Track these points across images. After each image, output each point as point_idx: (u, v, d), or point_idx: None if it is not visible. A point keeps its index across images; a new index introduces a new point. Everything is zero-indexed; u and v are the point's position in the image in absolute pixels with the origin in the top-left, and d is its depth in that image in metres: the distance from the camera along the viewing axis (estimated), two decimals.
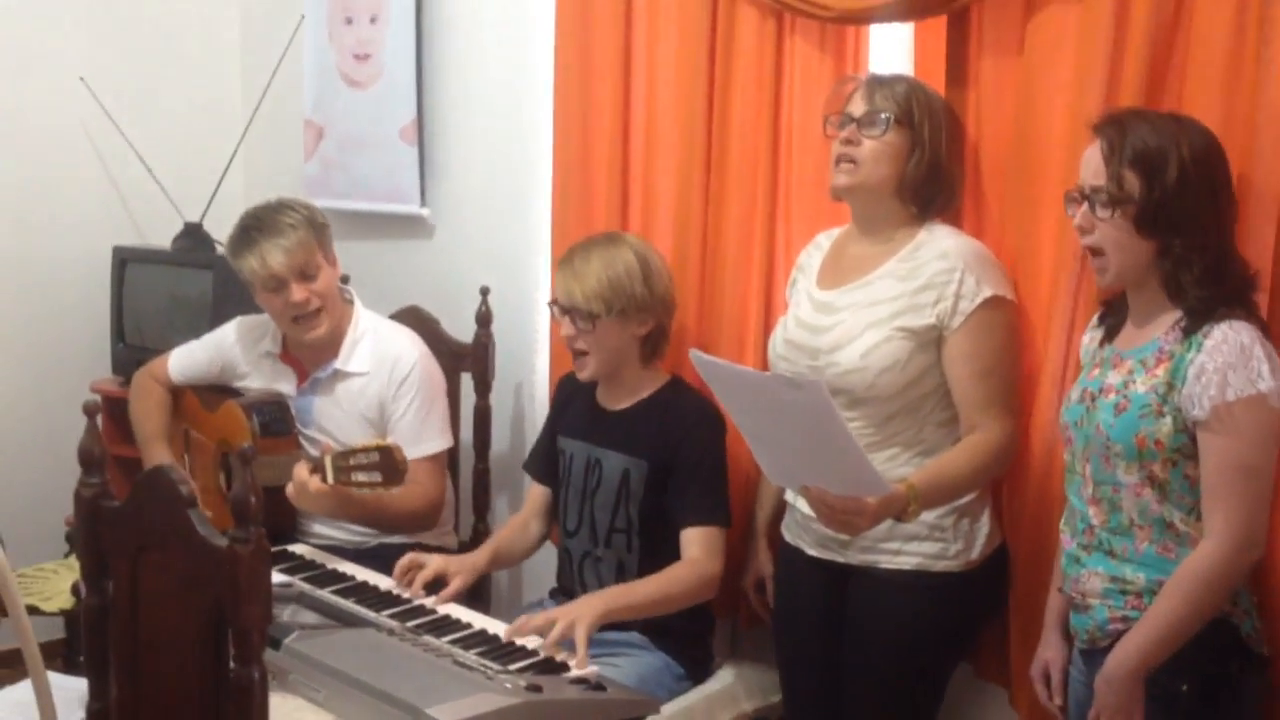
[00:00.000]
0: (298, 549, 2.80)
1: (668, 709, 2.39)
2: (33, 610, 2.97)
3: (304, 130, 3.74)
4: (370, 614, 2.39)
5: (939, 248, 2.26)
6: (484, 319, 3.12)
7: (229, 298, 3.27)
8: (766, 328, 2.61)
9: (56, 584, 3.21)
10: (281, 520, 2.79)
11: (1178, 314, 1.90)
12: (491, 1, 3.30)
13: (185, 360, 3.07)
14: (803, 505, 2.33)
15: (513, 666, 2.15)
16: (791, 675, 2.51)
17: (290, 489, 2.60)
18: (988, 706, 2.49)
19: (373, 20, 3.52)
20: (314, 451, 2.82)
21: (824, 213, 2.53)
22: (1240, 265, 1.90)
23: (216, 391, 3.03)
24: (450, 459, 3.01)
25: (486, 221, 3.37)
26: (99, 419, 1.96)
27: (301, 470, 2.58)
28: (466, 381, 3.18)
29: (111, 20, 3.80)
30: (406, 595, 2.51)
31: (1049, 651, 2.16)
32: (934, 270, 2.24)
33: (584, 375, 2.59)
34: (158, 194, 3.76)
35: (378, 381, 2.87)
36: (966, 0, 2.29)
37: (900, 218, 2.32)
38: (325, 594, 2.49)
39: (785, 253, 2.65)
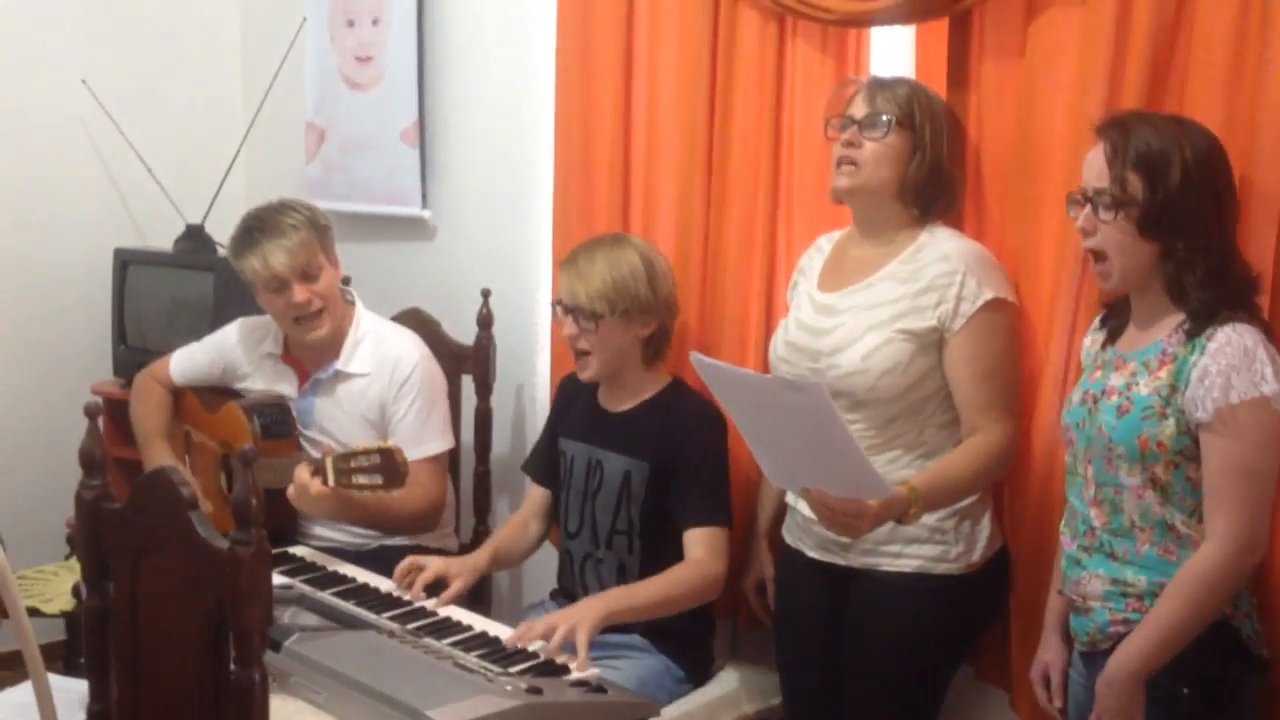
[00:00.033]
0: (298, 551, 2.80)
1: (668, 711, 2.38)
2: (33, 612, 2.97)
3: (305, 132, 3.74)
4: (371, 616, 2.39)
5: (940, 250, 2.26)
6: (485, 321, 3.12)
7: (230, 300, 3.27)
8: (767, 330, 2.61)
9: (57, 586, 3.21)
10: (282, 522, 2.79)
11: (1181, 316, 1.90)
12: (493, 4, 3.31)
13: (187, 362, 3.07)
14: (803, 507, 2.32)
15: (513, 669, 2.15)
16: (792, 677, 2.51)
17: (291, 491, 2.60)
18: (988, 709, 2.49)
19: (374, 22, 3.52)
20: (315, 453, 2.82)
21: (825, 215, 2.53)
22: (1243, 268, 1.90)
23: (217, 393, 3.03)
24: (451, 461, 3.01)
25: (488, 223, 3.37)
26: (100, 421, 1.96)
27: (302, 472, 2.58)
28: (467, 383, 3.18)
29: (113, 22, 3.81)
30: (407, 597, 2.51)
31: (1049, 654, 2.16)
32: (935, 273, 2.24)
33: (585, 376, 2.59)
34: (159, 196, 3.76)
35: (379, 383, 2.87)
36: (968, 3, 2.29)
37: (901, 220, 2.32)
38: (326, 596, 2.49)
39: (786, 255, 2.65)
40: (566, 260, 2.59)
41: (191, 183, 3.78)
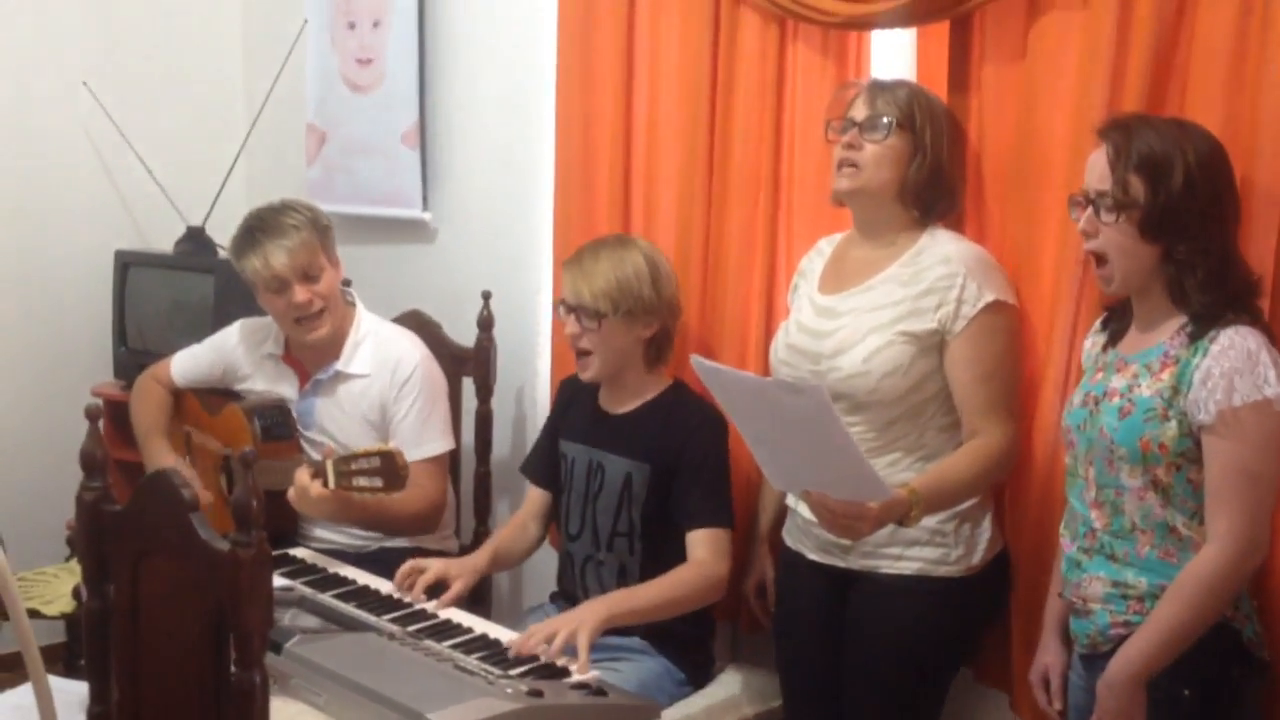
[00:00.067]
0: (299, 553, 2.80)
1: (669, 714, 2.38)
2: (33, 614, 2.97)
3: (306, 134, 3.74)
4: (371, 618, 2.39)
5: (941, 252, 2.26)
6: (485, 323, 3.12)
7: (230, 302, 3.27)
8: (768, 333, 2.61)
9: (57, 587, 3.21)
10: (282, 524, 2.79)
11: (1183, 319, 1.90)
12: (494, 6, 3.31)
13: (188, 363, 3.07)
14: (804, 510, 2.32)
15: (514, 671, 2.15)
16: (792, 680, 2.51)
17: (291, 493, 2.60)
18: (989, 712, 2.49)
19: (375, 25, 3.52)
20: (315, 453, 2.82)
21: (825, 218, 2.53)
22: (1244, 271, 1.90)
23: (218, 395, 3.03)
24: (451, 463, 3.01)
25: (488, 226, 3.37)
26: (100, 423, 1.96)
27: (303, 475, 2.58)
28: (468, 385, 3.18)
29: (114, 25, 3.81)
30: (407, 599, 2.50)
31: (1048, 656, 2.16)
32: (936, 275, 2.24)
33: (586, 376, 2.59)
34: (160, 198, 3.76)
35: (379, 383, 2.87)
36: (969, 6, 2.29)
37: (902, 222, 2.32)
38: (326, 598, 2.49)
39: (787, 258, 2.65)
40: (571, 259, 2.59)
41: (192, 184, 3.78)
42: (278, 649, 2.10)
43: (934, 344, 2.24)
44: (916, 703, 2.34)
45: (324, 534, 2.89)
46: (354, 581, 2.61)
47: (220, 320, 3.17)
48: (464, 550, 2.98)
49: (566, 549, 2.69)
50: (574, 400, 2.73)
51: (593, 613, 2.31)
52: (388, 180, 3.54)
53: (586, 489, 2.61)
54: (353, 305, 2.97)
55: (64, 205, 3.77)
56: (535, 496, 2.78)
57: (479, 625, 2.39)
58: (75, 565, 3.24)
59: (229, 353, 3.02)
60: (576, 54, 2.94)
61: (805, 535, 2.41)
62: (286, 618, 2.36)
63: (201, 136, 3.93)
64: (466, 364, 3.16)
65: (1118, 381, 1.95)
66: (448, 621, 2.41)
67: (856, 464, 2.00)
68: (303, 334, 2.85)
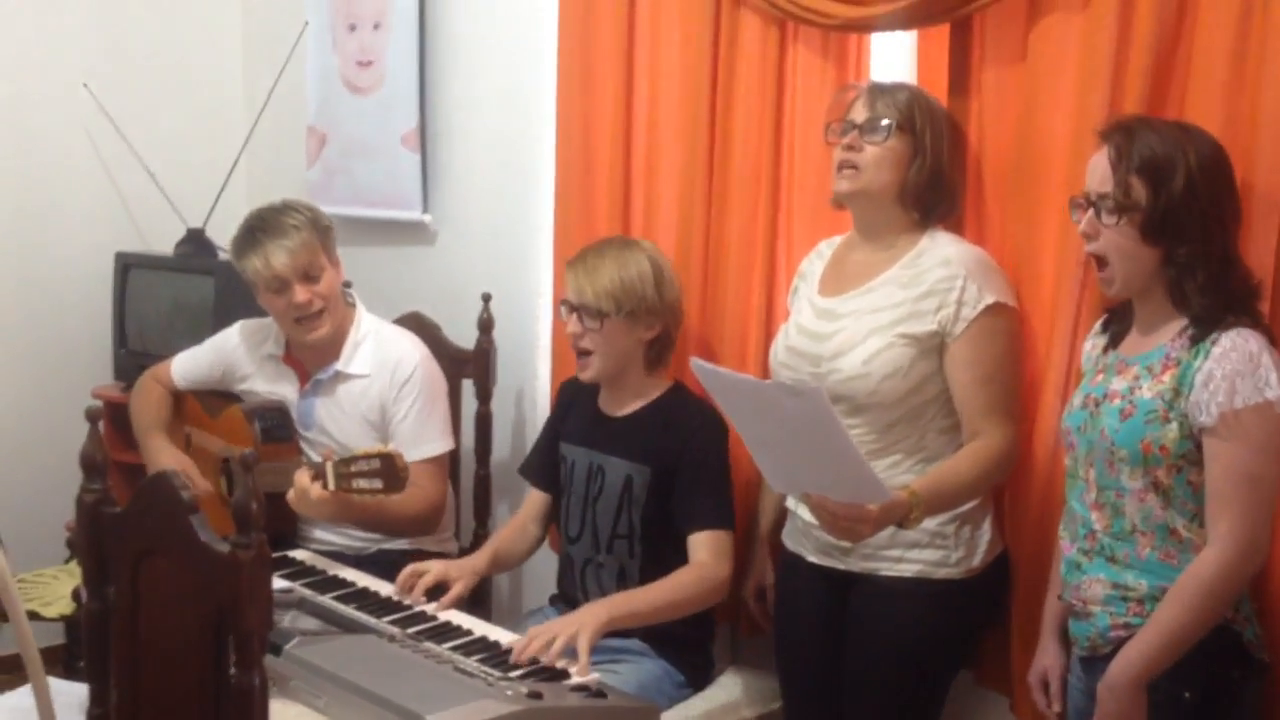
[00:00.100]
0: (298, 555, 2.80)
1: (668, 716, 2.38)
2: (33, 616, 2.97)
3: (306, 136, 3.74)
4: (371, 620, 2.39)
5: (941, 254, 2.26)
6: (485, 325, 3.12)
7: (231, 303, 3.27)
8: (768, 335, 2.61)
9: (57, 589, 3.21)
10: (282, 526, 2.79)
11: (1184, 321, 1.90)
12: (494, 8, 3.31)
13: (188, 364, 3.07)
14: (804, 512, 2.32)
15: (513, 673, 2.15)
16: (792, 682, 2.51)
17: (291, 495, 2.60)
18: (989, 714, 2.48)
19: (375, 27, 3.52)
20: (315, 453, 2.82)
21: (825, 220, 2.53)
22: (1244, 274, 1.91)
23: (218, 397, 3.03)
24: (451, 464, 3.01)
25: (488, 228, 3.37)
26: (101, 424, 1.96)
27: (303, 476, 2.58)
28: (468, 387, 3.18)
29: (114, 26, 3.81)
30: (407, 601, 2.50)
31: (1047, 658, 2.16)
32: (936, 277, 2.24)
33: (586, 376, 2.59)
34: (160, 200, 3.76)
35: (379, 384, 2.87)
36: (969, 9, 2.29)
37: (902, 224, 2.32)
38: (326, 600, 2.49)
39: (787, 260, 2.65)
40: (575, 259, 2.59)
41: (193, 186, 3.79)
42: (277, 651, 2.10)
43: (934, 346, 2.24)
44: (916, 705, 2.33)
45: (323, 536, 2.89)
46: (353, 583, 2.61)
47: (220, 322, 3.17)
48: (463, 552, 2.98)
49: (566, 551, 2.69)
50: (574, 402, 2.73)
51: (593, 616, 2.30)
52: (388, 182, 3.54)
53: (586, 491, 2.61)
54: (353, 306, 2.97)
55: (64, 207, 3.78)
56: (535, 498, 2.78)
57: (479, 627, 2.39)
58: (75, 567, 3.24)
59: (229, 353, 3.02)
60: (577, 57, 2.94)
61: (805, 537, 2.41)
62: (286, 620, 2.36)
63: (202, 138, 3.94)
64: (466, 366, 3.16)
65: (1118, 383, 1.95)
66: (447, 623, 2.41)
67: (856, 466, 2.00)
68: (303, 334, 2.85)
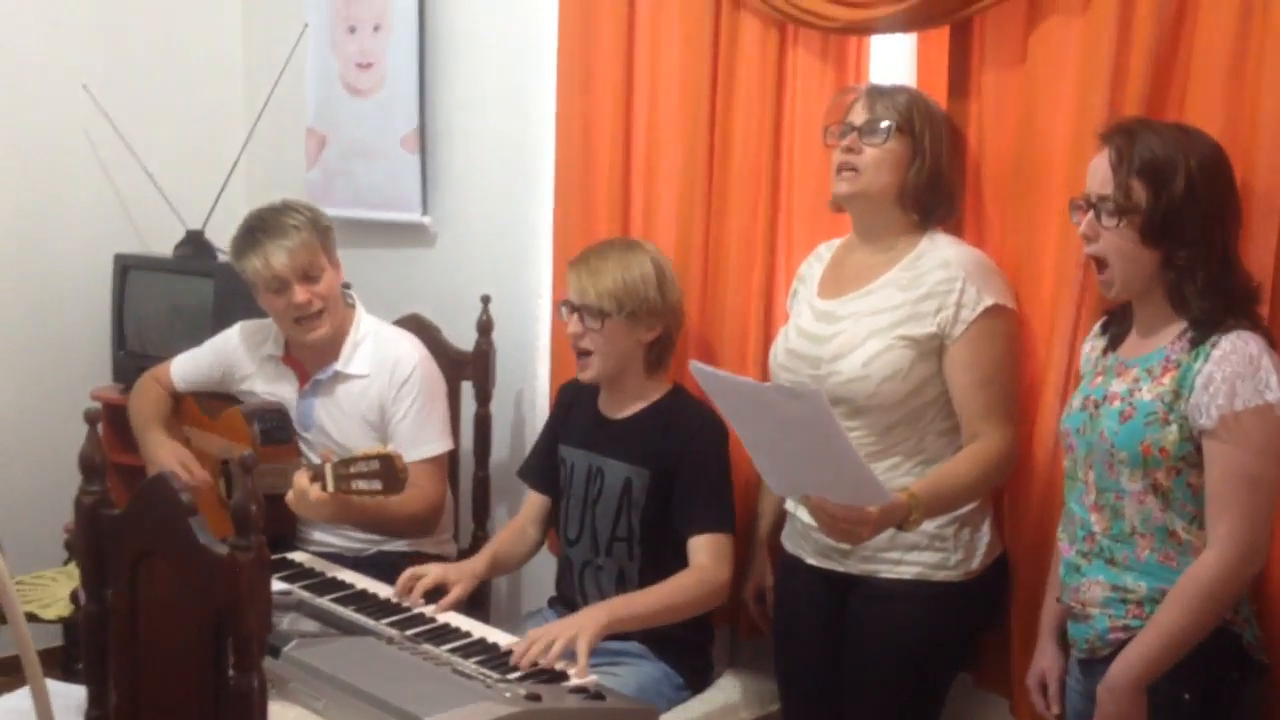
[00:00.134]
0: (297, 557, 2.80)
1: (667, 718, 2.39)
2: (31, 617, 2.97)
3: (306, 138, 3.74)
4: (370, 622, 2.39)
5: (940, 257, 2.26)
6: (485, 327, 3.12)
7: (230, 305, 3.27)
8: (767, 338, 2.61)
9: (55, 591, 3.21)
10: (281, 528, 2.79)
11: (1183, 324, 1.90)
12: (494, 10, 3.31)
13: (187, 365, 3.07)
14: (803, 514, 2.32)
15: (512, 675, 2.15)
16: (791, 684, 2.51)
17: (290, 496, 2.60)
18: (989, 716, 2.48)
19: (375, 29, 3.52)
20: (314, 454, 2.82)
21: (825, 223, 2.53)
22: (1243, 278, 1.91)
23: (218, 399, 3.03)
24: (450, 466, 3.01)
25: (488, 230, 3.37)
26: (99, 426, 1.96)
27: (302, 478, 2.58)
28: (467, 389, 3.18)
29: (114, 27, 3.81)
30: (406, 603, 2.50)
31: (1045, 660, 2.16)
32: (935, 279, 2.24)
33: (586, 376, 2.59)
34: (160, 201, 3.76)
35: (378, 384, 2.87)
36: (969, 11, 2.29)
37: (901, 226, 2.32)
38: (325, 602, 2.49)
39: (786, 263, 2.65)
40: (577, 259, 2.59)
41: (192, 188, 3.79)
42: (276, 653, 2.10)
43: (933, 348, 2.24)
44: (916, 707, 2.33)
45: (322, 537, 2.89)
46: (352, 585, 2.61)
47: (219, 324, 3.17)
48: (462, 554, 2.98)
49: (565, 554, 2.69)
50: (574, 405, 2.73)
51: (592, 619, 2.30)
52: (387, 184, 3.54)
53: (586, 494, 2.61)
54: (353, 307, 2.97)
55: (63, 208, 3.77)
56: (534, 501, 2.78)
57: (477, 629, 2.39)
58: (73, 569, 3.23)
59: (229, 354, 3.02)
60: (577, 60, 2.94)
61: (804, 540, 2.41)
62: (285, 622, 2.36)
63: (201, 140, 3.94)
64: (465, 368, 3.16)
65: (1118, 385, 1.95)
66: (446, 625, 2.41)
67: (856, 468, 2.00)
68: (302, 334, 2.85)
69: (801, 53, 2.57)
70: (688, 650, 2.56)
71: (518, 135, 3.26)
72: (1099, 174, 1.92)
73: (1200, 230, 1.87)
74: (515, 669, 2.18)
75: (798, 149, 2.61)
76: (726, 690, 2.62)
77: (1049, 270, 2.27)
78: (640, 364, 2.58)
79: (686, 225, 2.76)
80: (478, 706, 1.96)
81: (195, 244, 3.68)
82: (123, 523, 1.92)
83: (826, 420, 1.93)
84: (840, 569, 2.35)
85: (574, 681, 2.15)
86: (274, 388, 2.96)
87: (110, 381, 3.73)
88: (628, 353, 2.55)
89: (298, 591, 2.54)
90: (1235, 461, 1.82)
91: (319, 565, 2.73)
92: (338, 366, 2.89)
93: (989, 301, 2.22)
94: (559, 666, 2.20)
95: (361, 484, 2.51)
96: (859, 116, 2.30)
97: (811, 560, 2.40)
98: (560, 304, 2.64)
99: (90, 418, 1.94)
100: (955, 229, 2.39)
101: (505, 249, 3.31)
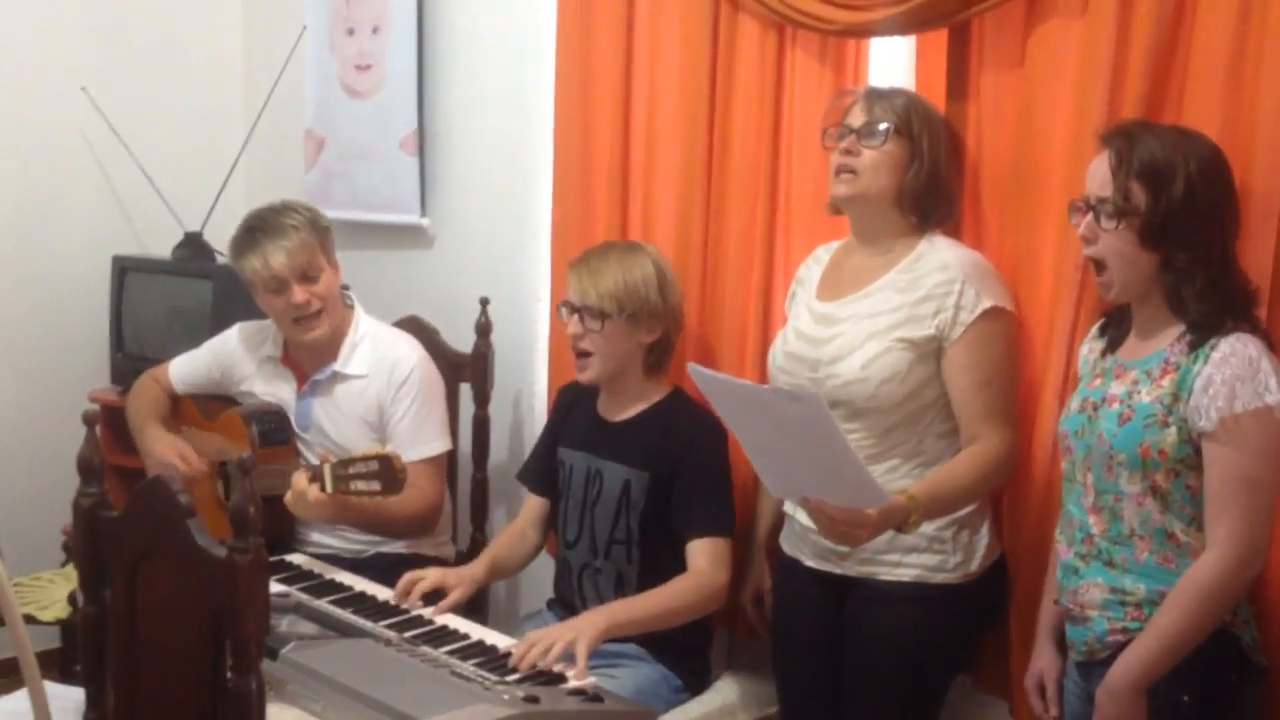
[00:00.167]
0: (295, 558, 2.79)
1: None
2: (29, 619, 2.97)
3: (305, 140, 3.74)
4: (368, 624, 2.39)
5: (939, 259, 2.26)
6: (483, 329, 3.12)
7: (228, 307, 3.27)
8: (766, 339, 2.61)
9: (53, 593, 3.20)
10: (279, 529, 2.79)
11: (1182, 326, 1.90)
12: (493, 13, 3.31)
13: (187, 367, 3.07)
14: (802, 516, 2.32)
15: (510, 677, 2.15)
16: (789, 687, 2.51)
17: (289, 497, 2.60)
18: (988, 719, 2.48)
19: (374, 31, 3.53)
20: (312, 455, 2.82)
21: (823, 225, 2.53)
22: (1242, 281, 1.91)
23: (216, 401, 3.03)
24: (449, 468, 3.00)
25: (487, 232, 3.37)
26: (98, 428, 1.96)
27: (300, 479, 2.57)
28: (465, 391, 3.18)
29: (113, 29, 3.81)
30: (404, 606, 2.50)
31: (1043, 662, 2.16)
32: (934, 281, 2.24)
33: (585, 377, 2.59)
34: (158, 203, 3.76)
35: (376, 384, 2.87)
36: (968, 14, 2.29)
37: (900, 228, 2.32)
38: (323, 604, 2.49)
39: (784, 265, 2.65)
40: (578, 260, 2.59)
41: (190, 190, 3.79)
42: (274, 655, 2.10)
43: (932, 350, 2.24)
44: (914, 710, 2.33)
45: (320, 539, 2.89)
46: (350, 587, 2.61)
47: (218, 326, 3.17)
48: (460, 557, 2.98)
49: (564, 556, 2.68)
50: (573, 407, 2.72)
51: (591, 623, 2.30)
52: (386, 186, 3.54)
53: (585, 496, 2.61)
54: (351, 308, 2.97)
55: (62, 210, 3.77)
56: (533, 504, 2.78)
57: (475, 631, 2.39)
58: (71, 571, 3.23)
59: (228, 355, 3.02)
60: (576, 63, 2.94)
61: (803, 542, 2.41)
62: (283, 624, 2.36)
63: (200, 142, 3.94)
64: (464, 370, 3.16)
65: (1117, 387, 1.95)
66: (444, 627, 2.41)
67: (855, 471, 2.00)
68: (300, 334, 2.85)
69: (800, 55, 2.58)
70: (686, 652, 2.56)
71: (516, 137, 3.26)
72: (1098, 176, 1.92)
73: (1199, 233, 1.87)
74: (514, 671, 2.18)
75: (796, 151, 2.61)
76: (724, 692, 2.62)
77: (1048, 272, 2.27)
78: (640, 366, 2.58)
79: (685, 227, 2.76)
80: (476, 708, 1.96)
81: (194, 246, 3.68)
82: (121, 524, 1.92)
83: (825, 423, 1.93)
84: (839, 571, 2.35)
85: (572, 683, 2.15)
86: (272, 388, 2.96)
87: (108, 383, 3.72)
88: (627, 355, 2.55)
89: (296, 593, 2.53)
90: (1234, 464, 1.82)
91: (317, 567, 2.73)
92: (336, 367, 2.89)
93: (987, 304, 2.22)
94: (557, 669, 2.20)
95: (360, 484, 2.51)
96: (857, 119, 2.30)
97: (810, 562, 2.40)
98: (560, 305, 2.64)
99: (88, 419, 1.94)
100: (954, 231, 2.39)
101: (504, 251, 3.31)
